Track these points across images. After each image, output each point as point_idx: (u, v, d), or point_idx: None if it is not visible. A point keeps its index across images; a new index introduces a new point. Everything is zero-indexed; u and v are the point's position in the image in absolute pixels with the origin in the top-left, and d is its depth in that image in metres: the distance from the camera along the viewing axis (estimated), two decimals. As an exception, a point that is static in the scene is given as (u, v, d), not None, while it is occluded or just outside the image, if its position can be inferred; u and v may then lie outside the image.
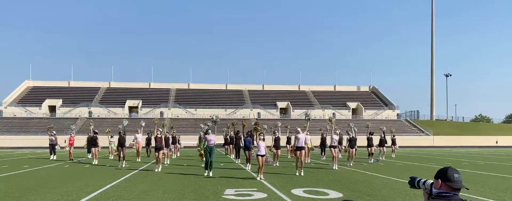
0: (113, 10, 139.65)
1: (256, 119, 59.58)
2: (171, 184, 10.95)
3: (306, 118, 16.17)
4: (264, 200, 8.32)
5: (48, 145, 23.67)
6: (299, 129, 14.30)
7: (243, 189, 9.77)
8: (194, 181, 11.68)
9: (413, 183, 2.77)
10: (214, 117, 15.32)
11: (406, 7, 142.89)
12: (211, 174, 12.97)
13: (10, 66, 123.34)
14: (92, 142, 19.77)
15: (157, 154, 15.39)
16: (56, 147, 23.57)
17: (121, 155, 17.35)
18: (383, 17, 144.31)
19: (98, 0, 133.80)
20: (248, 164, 15.83)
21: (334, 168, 15.80)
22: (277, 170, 15.27)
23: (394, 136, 26.03)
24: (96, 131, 20.70)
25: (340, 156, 22.07)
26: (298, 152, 13.64)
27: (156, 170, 14.86)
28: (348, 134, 20.06)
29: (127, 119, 21.27)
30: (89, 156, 23.38)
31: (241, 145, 18.39)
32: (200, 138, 18.36)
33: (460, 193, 2.53)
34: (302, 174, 13.29)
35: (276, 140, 17.60)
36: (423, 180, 2.70)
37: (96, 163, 18.60)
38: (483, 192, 9.41)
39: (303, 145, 13.76)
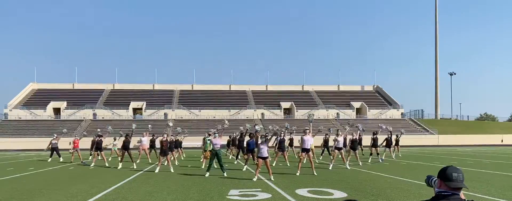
0: (116, 11, 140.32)
1: (260, 119, 59.74)
2: (175, 185, 10.97)
3: (309, 119, 16.17)
4: (269, 200, 8.32)
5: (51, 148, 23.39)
6: (306, 130, 14.28)
7: (247, 190, 9.77)
8: (198, 182, 11.70)
9: (428, 181, 2.76)
10: (225, 122, 16.61)
11: (410, 6, 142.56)
12: (225, 174, 13.14)
13: (14, 69, 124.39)
14: (97, 145, 19.50)
15: (164, 158, 15.39)
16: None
17: (123, 157, 17.42)
18: (386, 16, 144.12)
19: (102, 2, 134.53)
20: (245, 164, 15.94)
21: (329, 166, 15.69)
22: (281, 170, 15.25)
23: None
24: (100, 133, 20.44)
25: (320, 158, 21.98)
26: (303, 153, 13.66)
27: (156, 172, 14.85)
28: (352, 135, 19.75)
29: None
30: (90, 158, 23.32)
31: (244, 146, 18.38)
32: (204, 139, 18.36)
33: (465, 192, 2.51)
34: (298, 173, 13.38)
35: (281, 142, 17.45)
36: (434, 179, 2.69)
37: (107, 165, 18.47)
38: (488, 190, 9.36)
39: (308, 147, 13.77)
